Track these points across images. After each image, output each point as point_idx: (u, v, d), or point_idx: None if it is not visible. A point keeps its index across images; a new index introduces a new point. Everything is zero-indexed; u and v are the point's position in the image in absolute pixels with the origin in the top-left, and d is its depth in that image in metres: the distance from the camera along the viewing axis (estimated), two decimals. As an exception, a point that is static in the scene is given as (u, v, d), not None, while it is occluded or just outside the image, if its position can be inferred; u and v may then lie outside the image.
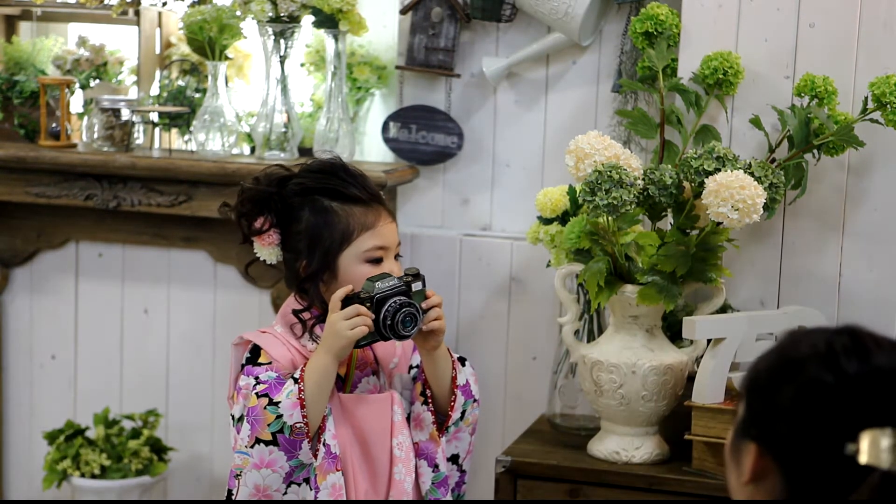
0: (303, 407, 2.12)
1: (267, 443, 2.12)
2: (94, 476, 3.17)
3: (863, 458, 1.22)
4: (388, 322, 2.18)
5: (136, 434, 3.22)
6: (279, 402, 2.13)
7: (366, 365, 2.31)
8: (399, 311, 2.18)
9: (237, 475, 2.15)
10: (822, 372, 1.27)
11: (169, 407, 3.35)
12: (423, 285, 2.26)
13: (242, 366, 2.25)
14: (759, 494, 1.35)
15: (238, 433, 2.16)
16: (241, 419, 2.17)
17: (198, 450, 3.35)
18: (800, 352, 1.32)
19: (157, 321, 3.34)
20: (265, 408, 2.12)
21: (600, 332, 2.72)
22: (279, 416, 2.12)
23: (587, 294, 2.64)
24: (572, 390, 2.79)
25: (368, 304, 2.18)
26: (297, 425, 2.12)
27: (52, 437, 3.24)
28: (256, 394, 2.15)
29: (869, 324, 2.67)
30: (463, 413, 2.35)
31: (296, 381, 2.15)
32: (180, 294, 3.31)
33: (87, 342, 3.39)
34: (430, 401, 2.32)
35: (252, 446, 2.12)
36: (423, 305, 2.24)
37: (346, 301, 2.19)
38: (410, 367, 2.38)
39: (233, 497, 2.16)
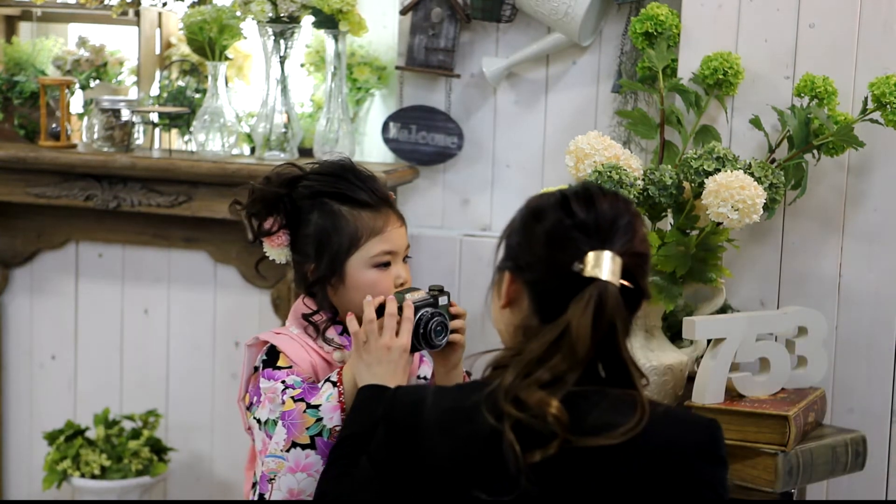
0: (342, 410, 2.12)
1: (304, 446, 2.11)
2: (94, 476, 3.17)
3: (587, 272, 1.65)
4: (421, 331, 2.18)
5: (136, 434, 3.22)
6: (319, 405, 2.12)
7: None
8: (431, 320, 2.19)
9: (270, 479, 2.14)
10: (560, 214, 1.69)
11: (169, 407, 3.35)
12: (448, 301, 2.26)
13: (255, 368, 2.24)
14: (513, 317, 1.74)
15: (269, 437, 2.15)
16: (269, 423, 2.16)
17: (198, 450, 3.35)
18: (544, 202, 1.73)
19: (157, 321, 3.34)
20: (304, 412, 2.12)
21: (600, 332, 2.72)
22: (319, 420, 2.11)
23: (587, 294, 2.64)
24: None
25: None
26: (337, 427, 2.12)
27: (52, 438, 3.24)
28: (292, 398, 2.14)
29: (869, 324, 2.69)
30: None
31: (334, 384, 2.15)
32: (180, 294, 3.31)
33: (87, 342, 3.39)
34: None
35: (288, 450, 2.12)
36: (452, 325, 2.25)
37: (379, 310, 2.18)
38: (418, 378, 2.38)
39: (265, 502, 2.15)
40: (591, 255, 1.66)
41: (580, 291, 1.65)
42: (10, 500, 3.46)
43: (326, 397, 2.12)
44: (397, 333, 2.12)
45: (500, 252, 1.80)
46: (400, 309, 2.15)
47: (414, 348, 2.20)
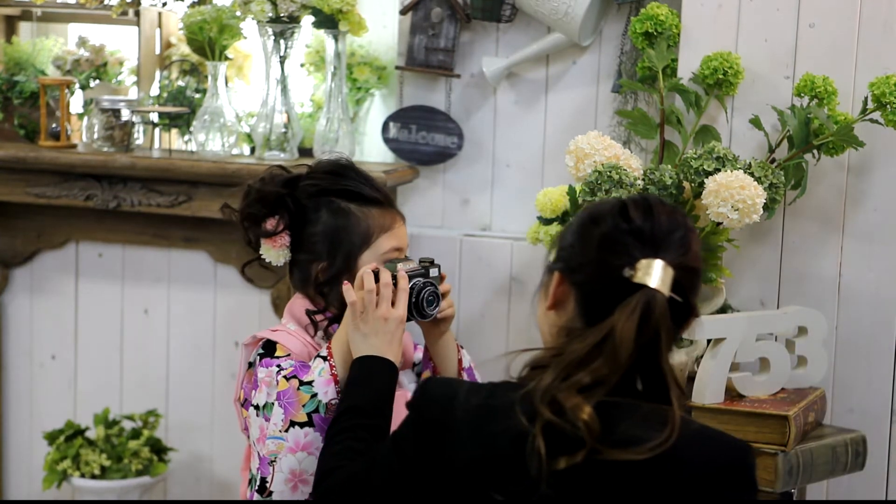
0: (336, 383, 2.12)
1: (302, 424, 2.11)
2: (94, 476, 3.17)
3: (637, 278, 1.65)
4: (413, 300, 2.18)
5: (136, 434, 3.22)
6: (312, 381, 2.12)
7: None
8: (423, 289, 2.19)
9: (271, 462, 2.13)
10: (617, 220, 1.69)
11: (169, 407, 3.35)
12: (439, 272, 2.26)
13: (250, 364, 2.25)
14: (558, 319, 1.74)
15: (267, 421, 2.15)
16: (267, 406, 2.16)
17: (198, 450, 3.35)
18: (603, 207, 1.73)
19: (157, 321, 3.34)
20: (298, 389, 2.11)
21: (600, 332, 2.72)
22: (314, 396, 2.11)
23: (587, 294, 2.64)
24: (572, 390, 2.78)
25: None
26: (333, 402, 2.11)
27: (52, 438, 3.24)
28: (285, 377, 2.14)
29: (869, 324, 2.69)
30: None
31: (324, 358, 2.14)
32: (180, 294, 3.31)
33: (87, 342, 3.39)
34: None
35: (286, 430, 2.11)
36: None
37: None
38: (414, 365, 2.38)
39: (267, 485, 2.14)
40: (642, 262, 1.66)
41: (628, 297, 1.65)
42: (10, 500, 3.46)
43: (318, 371, 2.12)
44: (393, 304, 2.13)
45: (551, 254, 1.80)
46: (394, 279, 2.15)
47: (406, 318, 2.20)
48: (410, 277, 2.18)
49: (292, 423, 2.11)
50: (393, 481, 1.78)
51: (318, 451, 2.10)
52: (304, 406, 2.10)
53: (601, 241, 1.69)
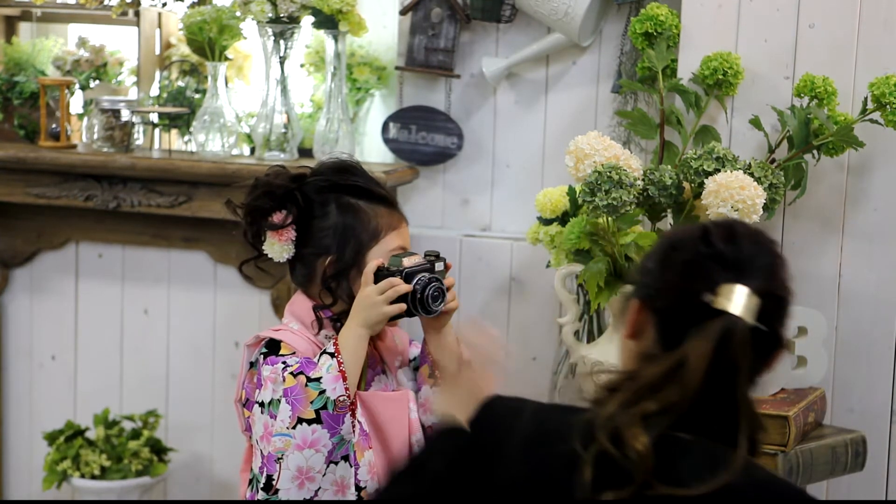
0: (345, 379, 2.12)
1: (310, 421, 2.10)
2: (94, 477, 3.17)
3: (717, 304, 1.57)
4: (419, 296, 2.18)
5: (136, 435, 3.22)
6: (320, 377, 2.12)
7: (375, 364, 2.31)
8: (428, 285, 2.18)
9: (277, 459, 2.13)
10: (699, 245, 1.62)
11: (169, 407, 3.35)
12: (445, 266, 2.26)
13: (251, 364, 2.25)
14: (637, 347, 1.67)
15: (272, 418, 2.14)
16: (273, 403, 2.15)
17: (198, 450, 3.35)
18: (685, 233, 1.67)
19: (157, 321, 3.34)
20: (306, 385, 2.11)
21: (600, 332, 2.72)
22: (322, 392, 2.11)
23: (587, 294, 2.64)
24: (572, 390, 2.78)
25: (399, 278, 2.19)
26: (341, 398, 2.11)
27: (52, 438, 3.24)
28: (291, 373, 2.14)
29: (869, 324, 2.69)
30: None
31: (332, 355, 2.14)
32: (180, 294, 3.31)
33: (87, 342, 3.39)
34: (439, 378, 2.31)
35: (294, 427, 2.11)
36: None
37: (377, 275, 2.19)
38: (410, 361, 2.39)
39: (273, 482, 2.14)
40: (723, 287, 1.57)
41: (706, 323, 1.57)
42: (10, 500, 3.46)
43: (326, 368, 2.12)
44: (395, 302, 2.15)
45: (630, 287, 1.75)
46: (393, 275, 2.17)
47: (409, 314, 2.20)
48: (415, 273, 2.18)
49: (300, 420, 2.11)
50: (437, 492, 1.68)
51: (325, 448, 2.10)
52: (311, 403, 2.10)
53: (682, 266, 1.62)
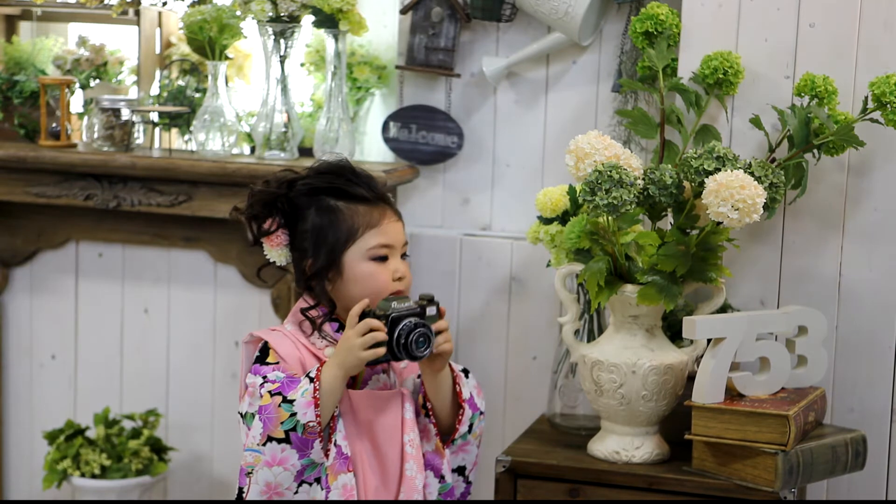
0: (317, 406, 2.13)
1: (279, 440, 2.13)
2: (94, 476, 3.17)
3: None
4: (402, 341, 2.19)
5: (136, 434, 3.22)
6: (293, 399, 2.14)
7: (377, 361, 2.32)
8: (413, 330, 2.19)
9: (248, 473, 2.15)
10: None
11: (169, 407, 3.35)
12: (437, 311, 2.27)
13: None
14: None
15: (249, 430, 2.17)
16: (248, 417, 2.17)
17: (198, 450, 3.35)
18: None
19: (157, 321, 3.34)
20: (279, 406, 2.13)
21: (600, 331, 2.72)
22: (293, 415, 2.13)
23: (587, 294, 2.64)
24: (572, 390, 2.79)
25: (384, 322, 2.19)
26: (310, 424, 2.13)
27: (52, 437, 3.25)
28: (269, 392, 2.15)
29: (869, 324, 2.69)
30: (470, 426, 2.36)
31: (311, 380, 2.15)
32: (180, 294, 3.31)
33: (87, 342, 3.39)
34: (430, 413, 2.34)
35: (264, 444, 2.13)
36: (434, 328, 2.25)
37: (362, 316, 2.20)
38: (419, 375, 2.39)
39: (244, 495, 2.16)
40: None
41: None
42: (10, 500, 3.46)
43: (301, 392, 2.14)
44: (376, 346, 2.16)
45: None
46: (378, 318, 2.18)
47: (395, 357, 2.21)
48: (402, 318, 2.19)
49: (270, 438, 2.13)
50: None
51: (293, 467, 2.13)
52: (282, 423, 2.13)
53: None
